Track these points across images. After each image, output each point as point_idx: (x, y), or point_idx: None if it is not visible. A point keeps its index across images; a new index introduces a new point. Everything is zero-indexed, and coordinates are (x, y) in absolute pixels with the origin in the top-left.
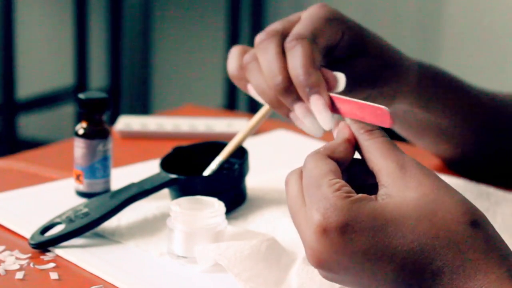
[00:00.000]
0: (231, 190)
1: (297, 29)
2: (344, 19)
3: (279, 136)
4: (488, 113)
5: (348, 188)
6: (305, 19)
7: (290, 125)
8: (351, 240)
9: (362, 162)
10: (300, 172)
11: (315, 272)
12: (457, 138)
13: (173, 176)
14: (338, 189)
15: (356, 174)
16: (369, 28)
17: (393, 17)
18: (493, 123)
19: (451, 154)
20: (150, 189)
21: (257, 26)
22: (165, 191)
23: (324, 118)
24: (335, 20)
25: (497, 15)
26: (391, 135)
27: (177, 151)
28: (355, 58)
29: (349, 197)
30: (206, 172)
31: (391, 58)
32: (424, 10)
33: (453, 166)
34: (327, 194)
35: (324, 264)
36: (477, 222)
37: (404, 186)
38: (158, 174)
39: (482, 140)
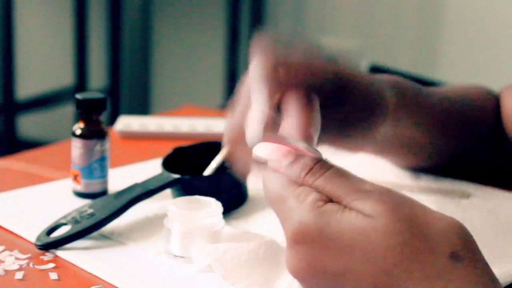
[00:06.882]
0: (233, 189)
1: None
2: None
3: None
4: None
5: (314, 195)
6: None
7: None
8: (318, 257)
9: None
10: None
11: None
12: (427, 148)
13: (176, 176)
14: (304, 200)
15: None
16: (369, 28)
17: (393, 17)
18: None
19: (419, 165)
20: (154, 189)
21: (257, 26)
22: (167, 191)
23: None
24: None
25: (496, 14)
26: None
27: (177, 151)
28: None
29: (318, 206)
30: (207, 172)
31: (372, 88)
32: (424, 10)
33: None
34: (294, 206)
35: (299, 277)
36: (458, 255)
37: (380, 205)
38: (161, 174)
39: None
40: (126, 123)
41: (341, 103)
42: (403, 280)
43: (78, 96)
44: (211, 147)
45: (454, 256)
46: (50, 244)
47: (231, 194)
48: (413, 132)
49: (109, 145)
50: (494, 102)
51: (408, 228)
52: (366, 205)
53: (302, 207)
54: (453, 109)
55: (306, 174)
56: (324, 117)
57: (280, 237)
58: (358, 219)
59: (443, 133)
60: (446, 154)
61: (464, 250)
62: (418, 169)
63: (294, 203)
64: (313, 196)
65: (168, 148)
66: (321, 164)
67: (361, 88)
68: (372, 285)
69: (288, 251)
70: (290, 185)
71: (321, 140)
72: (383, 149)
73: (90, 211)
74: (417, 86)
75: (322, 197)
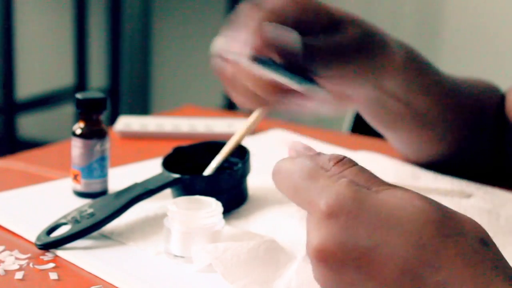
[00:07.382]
0: (233, 189)
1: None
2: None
3: (276, 136)
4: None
5: (346, 179)
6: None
7: (287, 125)
8: (352, 229)
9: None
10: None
11: None
12: (434, 130)
13: (176, 176)
14: (338, 179)
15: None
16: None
17: (393, 17)
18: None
19: (423, 152)
20: (154, 189)
21: None
22: (167, 191)
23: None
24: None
25: (497, 14)
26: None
27: (177, 151)
28: (331, 32)
29: (352, 185)
30: (207, 172)
31: (370, 28)
32: (424, 10)
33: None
34: (328, 183)
35: (324, 255)
36: (486, 241)
37: (409, 193)
38: (161, 174)
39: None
40: (126, 123)
41: (333, 31)
42: (437, 255)
43: (78, 95)
44: (211, 147)
45: (483, 241)
46: (50, 243)
47: (231, 194)
48: (423, 100)
49: (109, 145)
50: (499, 99)
51: (441, 210)
52: (397, 192)
53: (339, 183)
54: (461, 90)
55: (335, 164)
56: (315, 45)
57: (280, 236)
58: (394, 197)
59: (451, 113)
60: (454, 140)
61: (488, 238)
62: (426, 162)
63: (328, 181)
64: (346, 179)
65: (168, 148)
66: (349, 159)
67: (357, 23)
68: (405, 259)
69: (318, 227)
70: (320, 168)
71: (315, 69)
72: (396, 117)
73: (90, 210)
74: (429, 60)
75: (354, 181)
